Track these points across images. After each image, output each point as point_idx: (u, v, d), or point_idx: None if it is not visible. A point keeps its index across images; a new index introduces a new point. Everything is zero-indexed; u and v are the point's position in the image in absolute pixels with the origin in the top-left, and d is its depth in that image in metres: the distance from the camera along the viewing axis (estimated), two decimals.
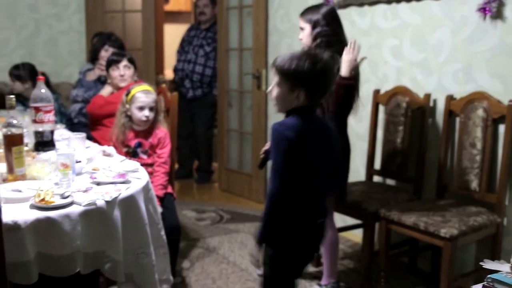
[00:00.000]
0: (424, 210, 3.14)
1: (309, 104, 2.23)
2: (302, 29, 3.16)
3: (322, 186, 2.32)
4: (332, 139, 2.33)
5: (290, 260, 2.33)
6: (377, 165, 3.86)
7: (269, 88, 2.30)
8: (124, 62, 4.01)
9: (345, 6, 4.12)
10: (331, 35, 3.06)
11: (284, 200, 2.20)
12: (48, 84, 4.63)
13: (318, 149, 2.25)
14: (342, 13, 4.07)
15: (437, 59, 3.52)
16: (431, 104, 3.56)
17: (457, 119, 3.40)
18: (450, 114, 3.41)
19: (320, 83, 2.21)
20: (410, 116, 3.60)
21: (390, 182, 3.86)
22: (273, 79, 2.28)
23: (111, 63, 4.05)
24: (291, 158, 2.16)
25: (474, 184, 3.23)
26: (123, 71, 4.00)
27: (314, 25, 3.09)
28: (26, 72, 4.73)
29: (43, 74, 4.92)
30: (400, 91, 3.68)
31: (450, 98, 3.41)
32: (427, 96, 3.52)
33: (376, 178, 3.93)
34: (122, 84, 3.98)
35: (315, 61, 2.18)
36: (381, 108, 3.86)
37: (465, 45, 3.36)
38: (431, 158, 3.58)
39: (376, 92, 3.86)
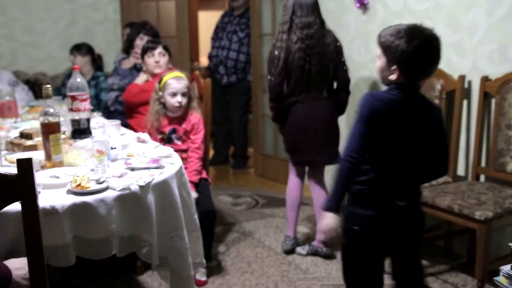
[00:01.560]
0: (458, 193, 3.12)
1: (407, 82, 2.16)
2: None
3: (407, 166, 2.24)
4: (434, 122, 2.23)
5: (364, 247, 2.30)
6: None
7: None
8: (159, 49, 4.05)
9: None
10: None
11: (361, 173, 2.20)
12: (100, 66, 4.85)
13: (409, 128, 2.18)
14: None
15: (472, 40, 3.47)
16: (466, 85, 3.51)
17: (492, 100, 3.35)
18: (485, 96, 3.37)
19: (414, 62, 2.11)
20: (444, 98, 3.56)
21: None
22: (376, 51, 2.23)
23: (147, 50, 4.10)
24: (373, 129, 2.15)
25: (511, 166, 3.19)
26: (158, 58, 4.04)
27: None
28: (85, 47, 4.97)
29: (99, 56, 5.10)
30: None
31: (485, 79, 3.36)
32: (462, 77, 3.48)
33: None
34: (157, 71, 4.03)
35: (411, 38, 2.08)
36: None
37: (500, 25, 3.30)
38: (466, 140, 3.54)
39: None
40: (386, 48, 2.13)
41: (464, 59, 3.53)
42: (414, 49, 2.07)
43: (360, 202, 2.26)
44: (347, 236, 2.34)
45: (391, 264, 2.45)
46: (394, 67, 2.13)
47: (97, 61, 5.03)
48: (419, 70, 2.15)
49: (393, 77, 2.15)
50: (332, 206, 2.24)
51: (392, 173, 2.22)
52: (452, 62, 3.60)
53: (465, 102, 3.54)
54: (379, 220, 2.25)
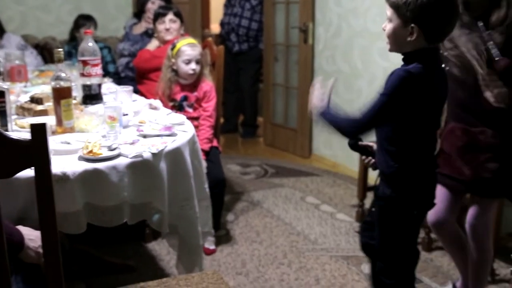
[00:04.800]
0: None
1: (428, 45, 1.95)
2: None
3: (434, 137, 2.14)
4: (447, 87, 2.10)
5: (417, 220, 2.15)
6: None
7: (383, 25, 2.02)
8: (170, 15, 4.00)
9: None
10: None
11: (408, 154, 2.04)
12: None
13: (437, 99, 2.05)
14: None
15: None
16: None
17: None
18: None
19: (437, 17, 1.89)
20: None
21: None
22: (386, 13, 2.00)
23: (157, 16, 4.05)
24: (408, 109, 1.95)
25: None
26: (168, 25, 3.99)
27: None
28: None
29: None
30: None
31: None
32: None
33: None
34: (168, 37, 3.98)
35: None
36: None
37: None
38: None
39: None
40: (401, 6, 1.89)
41: None
42: (435, 2, 1.86)
43: (409, 183, 2.09)
44: (402, 223, 2.13)
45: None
46: (412, 25, 1.90)
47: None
48: (441, 27, 1.94)
49: (411, 38, 1.92)
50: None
51: (428, 145, 2.10)
52: None
53: None
54: (430, 194, 2.15)
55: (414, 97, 1.93)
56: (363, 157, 2.32)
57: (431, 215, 2.60)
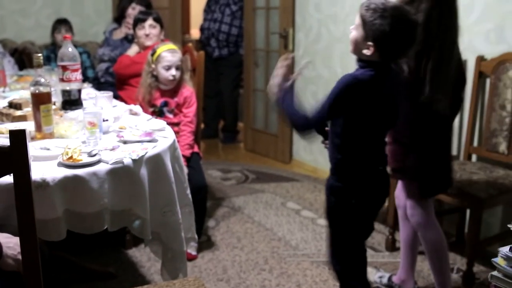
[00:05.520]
0: None
1: (382, 60, 2.11)
2: None
3: (383, 136, 2.30)
4: (402, 92, 2.27)
5: (356, 210, 2.28)
6: None
7: (351, 27, 2.16)
8: (150, 21, 3.98)
9: None
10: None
11: (349, 148, 2.21)
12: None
13: (385, 104, 2.18)
14: None
15: (468, 19, 3.43)
16: None
17: (487, 80, 3.33)
18: (480, 75, 3.35)
19: (394, 43, 2.06)
20: None
21: None
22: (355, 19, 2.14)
23: (137, 22, 4.03)
24: (352, 109, 2.11)
25: (503, 147, 3.18)
26: (148, 30, 3.97)
27: None
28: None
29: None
30: None
31: (480, 59, 3.34)
32: None
33: None
34: (148, 43, 3.96)
35: (396, 21, 2.01)
36: None
37: (497, 4, 3.27)
38: (460, 120, 3.53)
39: None
40: (368, 22, 2.05)
41: (460, 38, 3.49)
42: (396, 33, 2.02)
43: (348, 174, 2.26)
44: (342, 211, 2.29)
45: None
46: (370, 43, 2.06)
47: None
48: (396, 52, 2.13)
49: (367, 52, 2.08)
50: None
51: (373, 143, 2.25)
52: None
53: None
54: (370, 187, 2.28)
55: (358, 100, 2.10)
56: (324, 140, 2.43)
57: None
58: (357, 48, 2.14)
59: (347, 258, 2.39)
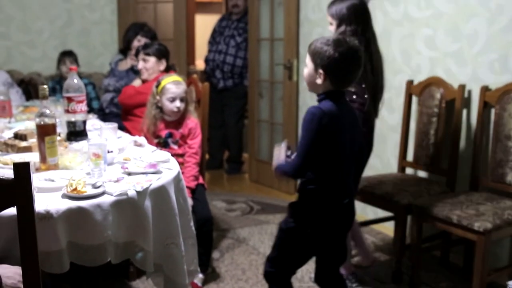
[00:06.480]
0: (457, 203, 3.09)
1: (335, 88, 2.32)
2: (330, 23, 3.17)
3: (349, 167, 2.44)
4: (356, 121, 2.45)
5: (307, 238, 2.44)
6: (410, 157, 3.81)
7: (304, 72, 2.41)
8: (141, 55, 4.05)
9: None
10: (354, 34, 2.95)
11: (313, 181, 2.36)
12: None
13: (347, 133, 2.36)
14: (375, 2, 4.02)
15: (472, 49, 3.45)
16: (466, 95, 3.49)
17: (492, 111, 3.33)
18: (485, 105, 3.34)
19: (341, 68, 2.28)
20: (444, 107, 3.53)
21: (422, 174, 3.81)
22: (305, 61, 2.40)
23: (136, 55, 4.12)
24: (322, 141, 2.27)
25: (509, 177, 3.16)
26: (141, 65, 4.05)
27: (340, 22, 3.08)
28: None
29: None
30: (433, 81, 3.62)
31: (485, 89, 3.33)
32: (462, 87, 3.45)
33: (409, 170, 3.88)
34: (144, 76, 4.04)
35: (337, 46, 2.25)
36: (414, 99, 3.81)
37: (501, 34, 3.28)
38: (465, 150, 3.52)
39: (410, 83, 3.80)
40: (315, 53, 2.30)
41: (464, 68, 3.51)
42: (340, 55, 2.24)
43: (310, 203, 2.41)
44: (294, 234, 2.46)
45: (316, 267, 2.63)
46: (320, 71, 2.28)
47: None
48: (343, 75, 2.30)
49: (319, 81, 2.30)
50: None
51: (338, 175, 2.39)
52: (452, 71, 3.58)
53: (464, 112, 3.52)
54: (329, 219, 2.41)
55: (325, 129, 2.27)
56: None
57: None
58: (310, 82, 2.37)
59: (281, 266, 2.59)
